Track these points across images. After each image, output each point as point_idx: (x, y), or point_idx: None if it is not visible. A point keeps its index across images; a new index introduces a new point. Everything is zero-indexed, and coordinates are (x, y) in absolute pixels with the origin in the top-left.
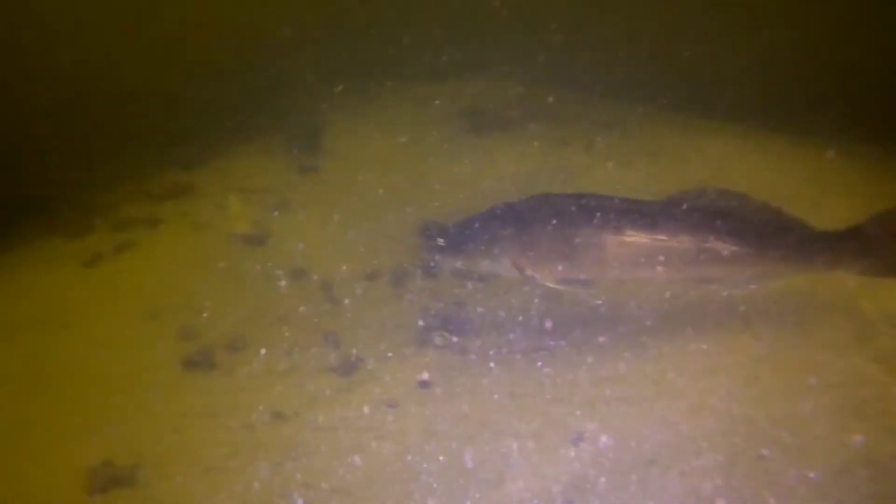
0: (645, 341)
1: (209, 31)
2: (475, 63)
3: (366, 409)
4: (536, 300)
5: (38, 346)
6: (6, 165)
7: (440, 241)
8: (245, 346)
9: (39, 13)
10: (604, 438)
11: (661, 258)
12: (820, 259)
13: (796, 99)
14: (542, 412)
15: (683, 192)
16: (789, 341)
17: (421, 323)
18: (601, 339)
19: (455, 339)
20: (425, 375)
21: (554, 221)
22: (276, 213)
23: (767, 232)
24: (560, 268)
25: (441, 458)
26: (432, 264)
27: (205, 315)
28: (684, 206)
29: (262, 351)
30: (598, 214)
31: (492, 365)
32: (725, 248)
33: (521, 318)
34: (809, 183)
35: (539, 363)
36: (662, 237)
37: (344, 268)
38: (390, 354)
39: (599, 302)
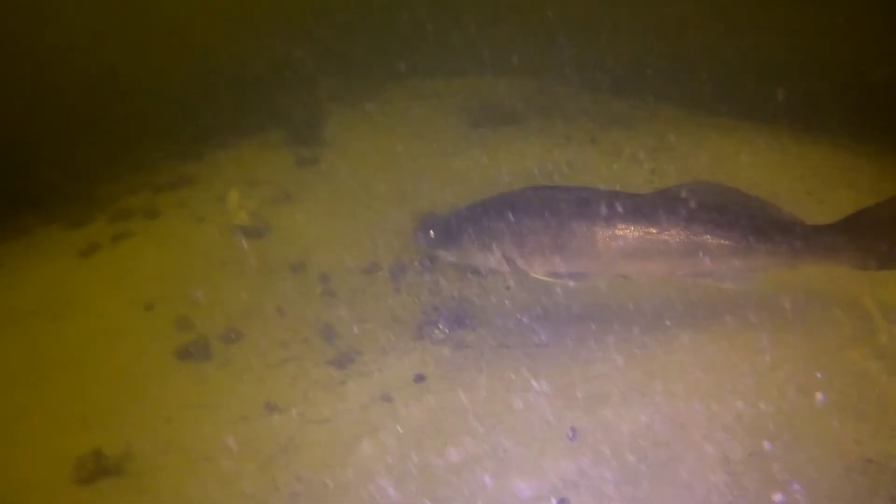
0: (642, 336)
1: (211, 23)
2: (478, 59)
3: (360, 403)
4: (534, 295)
5: (31, 336)
6: (5, 156)
7: (431, 233)
8: (240, 337)
9: (41, 3)
10: (599, 434)
11: (652, 252)
12: (811, 253)
13: (800, 95)
14: (538, 407)
15: (676, 186)
16: (788, 338)
17: (418, 317)
18: (598, 334)
19: (452, 333)
20: (421, 369)
21: (545, 214)
22: (275, 206)
23: (759, 226)
24: (550, 261)
25: (435, 452)
26: (427, 262)
27: (201, 306)
28: (676, 200)
29: (258, 343)
30: (590, 207)
31: (488, 359)
32: (716, 242)
33: (518, 312)
34: (813, 178)
35: (535, 358)
36: (653, 230)
37: (342, 261)
38: (387, 348)
39: (595, 296)
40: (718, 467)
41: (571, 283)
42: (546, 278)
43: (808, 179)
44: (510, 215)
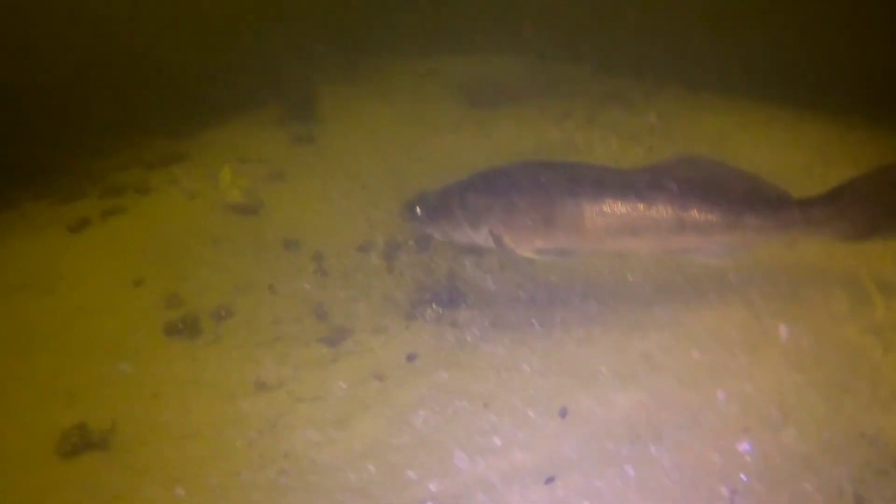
0: (637, 315)
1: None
2: (477, 37)
3: (351, 381)
4: (529, 274)
5: (19, 310)
6: None
7: (417, 209)
8: (231, 314)
9: None
10: (590, 414)
11: (640, 228)
12: (798, 226)
13: (802, 72)
14: (530, 386)
15: (664, 161)
16: (783, 313)
17: (411, 296)
18: (593, 313)
19: (445, 312)
20: (413, 348)
21: (532, 191)
22: (269, 184)
23: (746, 200)
24: (538, 237)
25: (425, 431)
26: (422, 241)
27: (191, 283)
28: (663, 176)
29: (249, 320)
30: (577, 184)
31: (481, 339)
32: (704, 217)
33: (512, 292)
34: (815, 155)
35: (528, 337)
36: (641, 206)
37: (336, 239)
38: (379, 326)
39: (591, 275)
40: (709, 447)
41: (560, 259)
42: (534, 255)
43: (809, 156)
44: (497, 192)
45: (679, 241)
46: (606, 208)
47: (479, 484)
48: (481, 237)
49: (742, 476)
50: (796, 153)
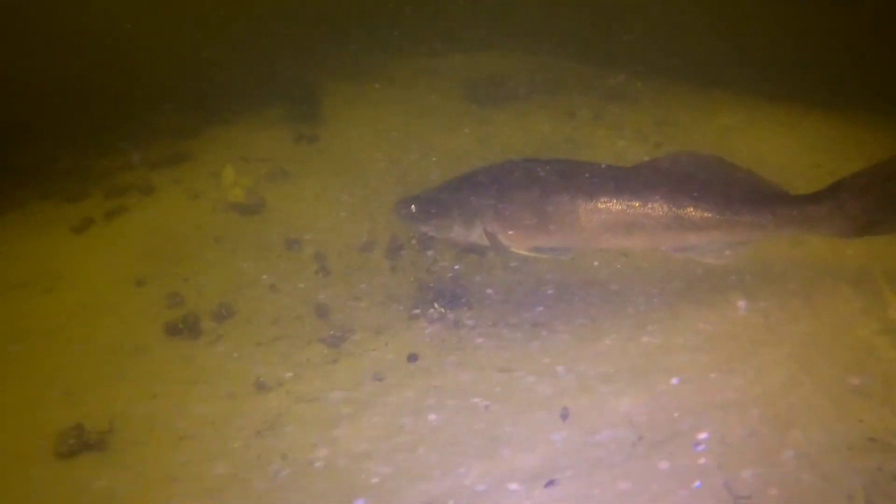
0: (642, 315)
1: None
2: (482, 35)
3: (351, 382)
4: (532, 274)
5: (19, 309)
6: (3, 130)
7: (412, 207)
8: (232, 314)
9: None
10: (592, 416)
11: (635, 225)
12: (794, 223)
13: (810, 69)
14: (531, 387)
15: (659, 158)
16: (792, 314)
17: (414, 295)
18: (597, 312)
19: (447, 312)
20: (414, 349)
21: (526, 188)
22: (271, 183)
23: (741, 197)
24: (532, 235)
25: (424, 432)
26: (425, 240)
27: (192, 282)
28: (658, 173)
29: (250, 320)
30: (571, 181)
31: (483, 339)
32: (699, 214)
33: (515, 291)
34: (824, 151)
35: (531, 338)
36: (636, 203)
37: (338, 238)
38: (381, 326)
39: (595, 274)
40: (714, 451)
41: (555, 257)
42: (528, 253)
43: (818, 152)
44: (491, 190)
45: (675, 239)
46: (601, 206)
47: (478, 486)
48: (476, 235)
49: (746, 481)
50: (805, 150)
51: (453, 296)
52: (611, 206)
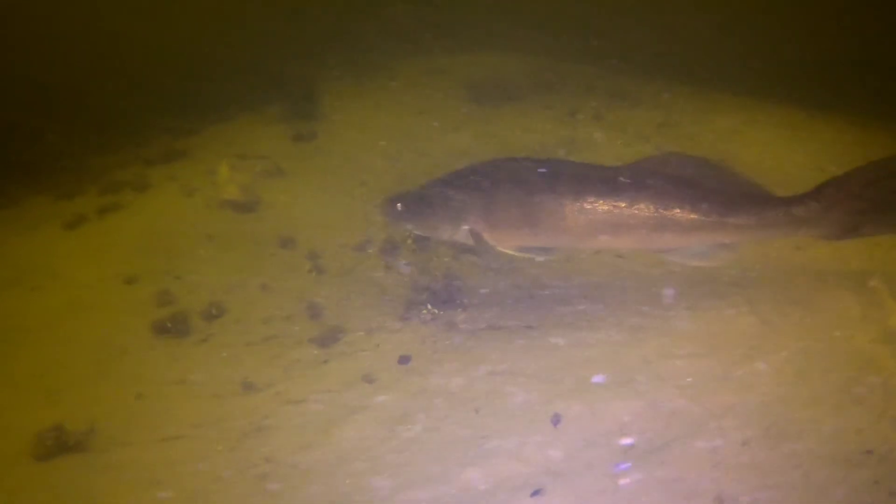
0: (637, 319)
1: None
2: (485, 35)
3: (341, 383)
4: (528, 275)
5: (6, 306)
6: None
7: (398, 205)
8: (222, 313)
9: None
10: (584, 421)
11: (621, 225)
12: (780, 225)
13: (814, 71)
14: (524, 392)
15: (646, 159)
16: (790, 320)
17: (407, 296)
18: (591, 316)
19: (441, 313)
20: (406, 350)
21: (512, 187)
22: (267, 181)
23: (727, 199)
24: (518, 235)
25: (412, 436)
26: (421, 240)
27: (184, 281)
28: (645, 173)
29: (240, 319)
30: (558, 180)
31: (476, 341)
32: (685, 215)
33: (511, 293)
34: (826, 155)
35: (525, 340)
36: (622, 204)
37: (333, 238)
38: (373, 327)
39: (591, 276)
40: (706, 462)
41: (540, 258)
42: (514, 253)
43: (820, 156)
44: (478, 188)
45: (661, 240)
46: (587, 206)
47: (463, 494)
48: (462, 234)
49: (739, 493)
50: (808, 152)
51: (447, 297)
52: (596, 206)
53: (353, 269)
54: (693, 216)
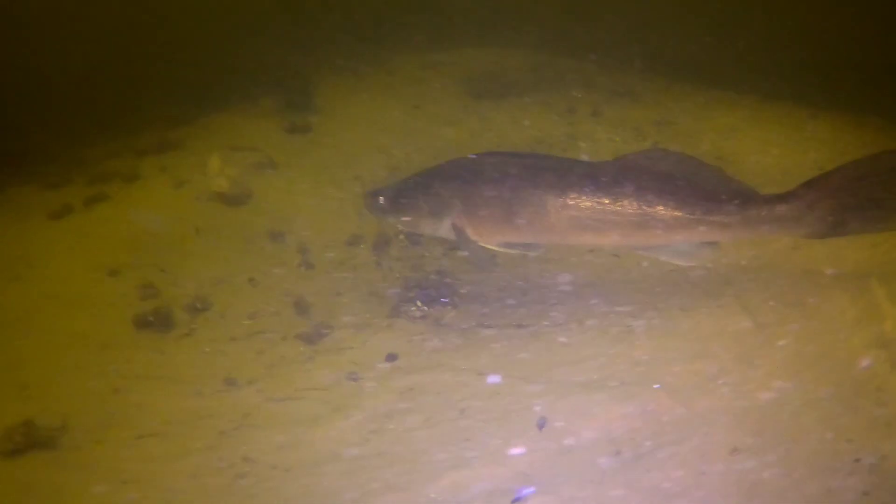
0: (628, 320)
1: None
2: (484, 30)
3: (325, 381)
4: (519, 273)
5: None
6: None
7: (381, 199)
8: (207, 307)
9: None
10: (570, 425)
11: (604, 222)
12: (764, 223)
13: (814, 70)
14: (511, 393)
15: (631, 154)
16: (784, 323)
17: (397, 292)
18: (581, 315)
19: (430, 310)
20: (393, 348)
21: (495, 183)
22: (259, 173)
23: (710, 196)
24: (501, 230)
25: (396, 437)
26: (413, 236)
27: (169, 274)
28: (629, 170)
29: (225, 314)
30: (541, 176)
31: (464, 340)
32: (668, 212)
33: (502, 290)
34: (827, 154)
35: (513, 340)
36: (606, 200)
37: (324, 232)
38: (361, 324)
39: (583, 274)
40: (694, 469)
41: (523, 253)
42: (497, 248)
43: (820, 154)
44: (461, 183)
45: (644, 237)
46: (570, 202)
47: (442, 498)
48: (444, 229)
49: (726, 501)
50: (807, 151)
51: (437, 294)
52: (579, 202)
53: (343, 264)
54: (676, 213)
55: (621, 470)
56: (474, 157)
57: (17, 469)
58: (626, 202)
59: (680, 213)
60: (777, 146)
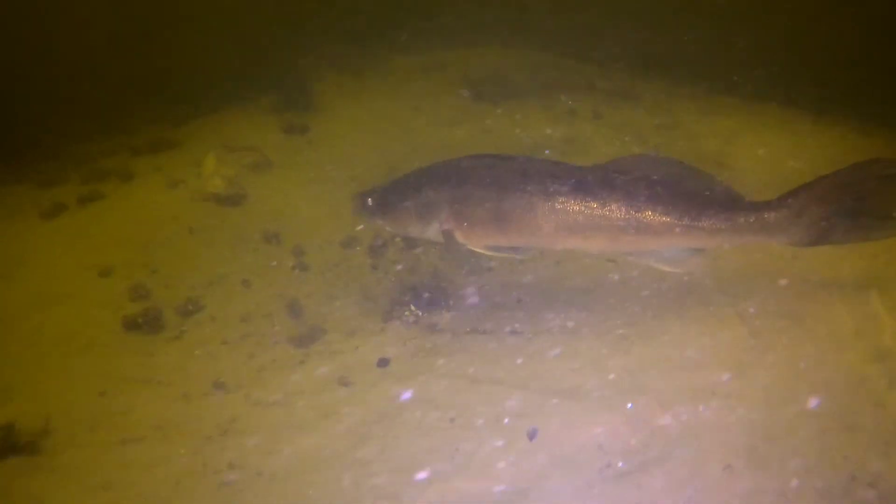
0: (623, 328)
1: None
2: (486, 31)
3: (316, 386)
4: (515, 278)
5: None
6: None
7: (368, 201)
8: (198, 309)
9: None
10: (562, 435)
11: (592, 226)
12: (750, 229)
13: (818, 76)
14: (502, 400)
15: (620, 159)
16: (780, 334)
17: (392, 295)
18: (577, 322)
19: (424, 315)
20: (386, 353)
21: (484, 186)
22: (255, 173)
23: (698, 202)
24: (489, 234)
25: (383, 445)
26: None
27: (160, 275)
28: (618, 174)
29: (217, 316)
30: (530, 179)
31: (457, 346)
32: (656, 218)
33: (498, 296)
34: (826, 160)
35: (507, 346)
36: (594, 205)
37: (320, 233)
38: (354, 328)
39: (579, 281)
40: (682, 484)
41: (512, 256)
42: (485, 252)
43: (820, 160)
44: (449, 186)
45: (631, 242)
46: (558, 206)
47: None
48: (432, 232)
49: None
50: (809, 157)
51: (432, 298)
52: (568, 206)
53: (338, 266)
54: (664, 219)
55: (610, 481)
56: (463, 159)
57: None
58: (613, 207)
59: (667, 219)
60: (778, 151)
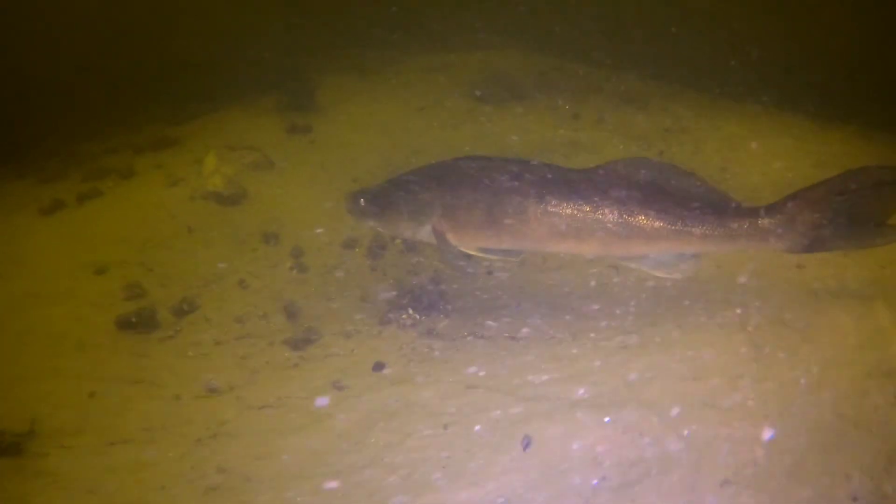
0: (625, 336)
1: None
2: (491, 33)
3: (309, 389)
4: (516, 282)
5: None
6: None
7: (361, 201)
8: (194, 309)
9: None
10: (556, 446)
11: (584, 230)
12: (745, 236)
13: (824, 82)
14: (496, 408)
15: (613, 162)
16: (783, 345)
17: (390, 298)
18: (577, 329)
19: (422, 318)
20: (382, 357)
21: (476, 188)
22: (256, 173)
23: (692, 207)
24: (481, 236)
25: (375, 452)
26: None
27: (157, 273)
28: (611, 178)
29: (212, 317)
30: (522, 182)
31: (454, 350)
32: (649, 223)
33: (497, 300)
34: (832, 166)
35: (505, 352)
36: (586, 208)
37: (319, 234)
38: (350, 330)
39: (580, 287)
40: (682, 499)
41: (503, 259)
42: (477, 254)
43: (824, 166)
44: (442, 187)
45: (625, 247)
46: (550, 209)
47: None
48: (424, 233)
49: None
50: (814, 163)
51: (430, 302)
52: (560, 209)
53: (336, 267)
54: (657, 223)
55: (606, 495)
56: (456, 160)
57: None
58: (606, 210)
59: (661, 224)
60: (783, 157)
